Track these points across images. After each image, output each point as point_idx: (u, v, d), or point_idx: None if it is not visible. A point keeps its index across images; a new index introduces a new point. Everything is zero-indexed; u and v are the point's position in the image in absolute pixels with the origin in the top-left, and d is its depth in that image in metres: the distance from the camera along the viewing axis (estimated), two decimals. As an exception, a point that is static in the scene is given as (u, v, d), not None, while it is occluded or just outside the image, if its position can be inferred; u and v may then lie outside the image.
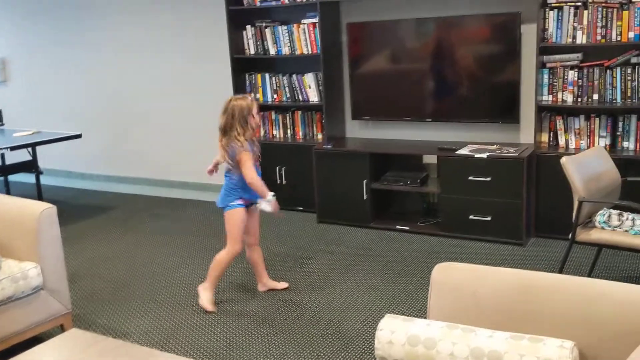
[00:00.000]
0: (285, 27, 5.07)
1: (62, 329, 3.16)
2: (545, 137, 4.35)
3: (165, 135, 6.21)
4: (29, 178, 6.51)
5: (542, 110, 4.32)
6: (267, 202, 3.38)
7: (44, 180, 6.13)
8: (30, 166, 5.38)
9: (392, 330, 1.82)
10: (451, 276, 1.98)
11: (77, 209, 5.68)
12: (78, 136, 5.47)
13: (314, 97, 5.13)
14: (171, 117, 6.11)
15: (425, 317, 1.95)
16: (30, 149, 5.26)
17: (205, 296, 3.52)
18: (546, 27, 4.15)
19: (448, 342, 1.73)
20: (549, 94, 4.27)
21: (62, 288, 3.12)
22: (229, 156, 3.37)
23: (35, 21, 6.70)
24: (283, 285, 3.74)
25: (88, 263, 4.30)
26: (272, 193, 3.40)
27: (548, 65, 4.25)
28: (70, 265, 4.24)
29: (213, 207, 5.48)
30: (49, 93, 6.85)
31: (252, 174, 3.35)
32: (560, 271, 3.38)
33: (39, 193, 5.42)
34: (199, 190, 6.11)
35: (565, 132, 4.28)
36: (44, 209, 3.01)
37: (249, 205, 3.51)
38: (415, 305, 3.43)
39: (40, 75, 6.87)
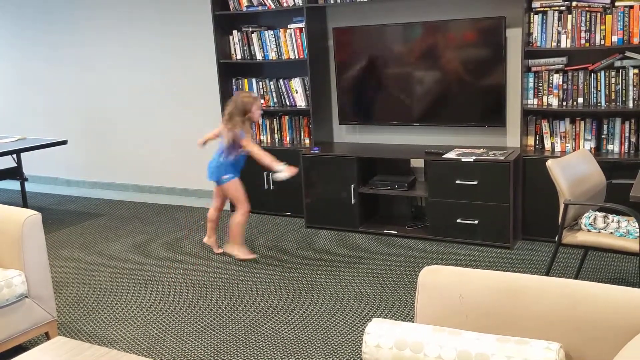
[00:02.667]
0: (272, 32, 5.07)
1: (47, 336, 3.13)
2: (531, 141, 4.38)
3: (152, 140, 6.18)
4: (13, 185, 6.46)
5: (528, 114, 4.35)
6: (281, 172, 3.97)
7: (29, 187, 6.08)
8: (15, 173, 5.33)
9: (380, 334, 1.82)
10: (438, 279, 1.99)
11: (63, 216, 5.64)
12: (63, 142, 5.43)
13: (301, 101, 5.13)
14: (157, 122, 6.09)
15: (413, 321, 1.94)
16: (14, 156, 5.21)
17: (241, 251, 4.21)
18: (531, 32, 4.18)
19: (435, 345, 1.73)
20: (534, 97, 4.30)
21: (47, 295, 3.09)
22: (236, 138, 4.02)
23: (21, 28, 6.65)
24: (219, 250, 4.39)
25: (73, 270, 4.27)
26: (283, 163, 4.00)
27: (533, 69, 4.28)
28: (56, 273, 4.21)
29: (200, 213, 5.48)
30: (34, 99, 6.80)
31: (258, 151, 4.02)
32: (547, 274, 3.39)
33: (23, 200, 5.37)
34: (185, 196, 6.09)
35: (551, 135, 4.31)
36: (28, 216, 2.98)
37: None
38: (403, 308, 3.42)
39: (25, 81, 6.82)
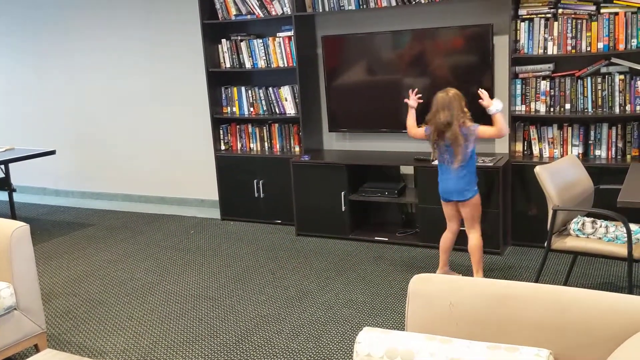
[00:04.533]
0: (261, 41, 5.08)
1: (36, 349, 3.10)
2: (519, 147, 4.41)
3: (141, 150, 6.16)
4: (1, 196, 6.41)
5: (516, 120, 4.37)
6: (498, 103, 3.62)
7: (17, 197, 6.04)
8: (3, 183, 5.29)
9: (371, 343, 1.82)
10: (428, 287, 1.99)
11: (52, 226, 5.60)
12: (52, 152, 5.40)
13: (290, 109, 5.14)
14: (147, 131, 6.07)
15: (404, 329, 1.95)
16: (2, 166, 5.18)
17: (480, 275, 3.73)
18: (518, 39, 4.22)
19: (426, 353, 1.73)
20: (522, 104, 4.33)
21: (36, 307, 3.06)
22: (466, 141, 3.55)
23: (7, 37, 6.62)
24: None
25: (63, 281, 4.24)
26: (497, 100, 3.66)
27: (520, 75, 4.31)
28: (45, 284, 4.18)
29: (191, 222, 5.47)
30: (21, 109, 6.77)
31: (503, 125, 3.57)
32: (537, 279, 3.41)
33: (12, 211, 5.32)
34: (176, 205, 6.07)
35: (539, 141, 4.34)
36: (16, 228, 2.95)
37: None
38: (394, 316, 3.43)
39: (12, 91, 6.78)
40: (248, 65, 5.19)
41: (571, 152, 4.24)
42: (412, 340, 1.79)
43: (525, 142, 4.39)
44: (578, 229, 3.20)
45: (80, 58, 6.23)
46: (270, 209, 5.19)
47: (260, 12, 4.99)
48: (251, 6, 5.01)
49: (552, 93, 4.23)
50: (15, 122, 6.84)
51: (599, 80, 4.09)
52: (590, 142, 4.21)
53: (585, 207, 3.40)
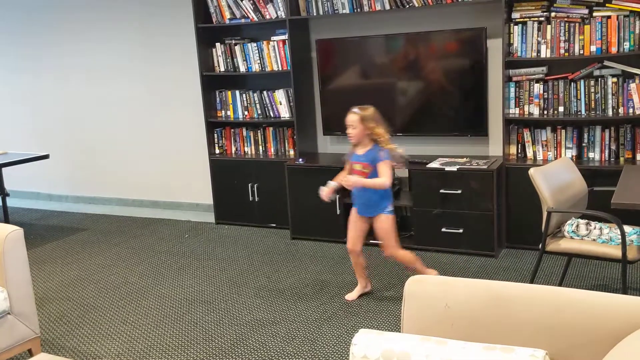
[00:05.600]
0: (255, 44, 5.08)
1: (30, 353, 3.08)
2: (513, 149, 4.42)
3: (135, 154, 6.14)
4: (-5, 200, 6.37)
5: (510, 123, 4.39)
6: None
7: (11, 202, 6.01)
8: (-4, 188, 5.27)
9: (366, 344, 1.81)
10: (423, 289, 1.99)
11: (45, 231, 5.57)
12: (45, 157, 5.38)
13: (285, 113, 5.14)
14: (141, 135, 6.06)
15: (399, 331, 1.95)
16: (-4, 171, 5.16)
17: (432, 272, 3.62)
18: (511, 42, 4.24)
19: (421, 354, 1.73)
20: (515, 106, 4.35)
21: (30, 312, 3.04)
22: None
23: (1, 41, 6.59)
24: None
25: (57, 286, 4.21)
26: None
27: (514, 78, 4.33)
28: (39, 289, 4.15)
29: (185, 226, 5.46)
30: (14, 113, 6.74)
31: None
32: (532, 281, 3.41)
33: (5, 215, 5.30)
34: (170, 209, 6.05)
35: (533, 144, 4.36)
36: (10, 232, 2.94)
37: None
38: (389, 318, 3.42)
39: (5, 95, 6.76)
40: (242, 69, 5.19)
41: (565, 155, 4.25)
42: (408, 342, 1.78)
43: (519, 144, 4.40)
44: (572, 231, 3.21)
45: (73, 62, 6.21)
46: (265, 212, 5.19)
47: (254, 16, 4.99)
48: (245, 10, 5.02)
49: (546, 96, 4.25)
50: (8, 127, 6.82)
51: (592, 83, 4.11)
52: (584, 144, 4.23)
53: (579, 209, 3.41)
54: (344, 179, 3.55)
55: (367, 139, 3.52)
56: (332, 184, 3.63)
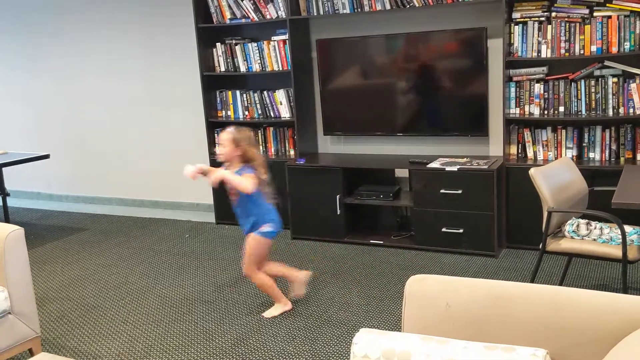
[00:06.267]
0: (256, 44, 5.08)
1: (30, 353, 3.08)
2: (513, 149, 4.42)
3: (135, 154, 6.14)
4: (-5, 200, 6.37)
5: (510, 123, 4.39)
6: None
7: (11, 202, 6.01)
8: (-3, 188, 5.27)
9: (367, 344, 1.81)
10: (424, 289, 1.99)
11: (46, 231, 5.57)
12: (46, 157, 5.38)
13: (285, 113, 5.14)
14: (141, 135, 6.06)
15: (400, 330, 1.95)
16: (-4, 171, 5.16)
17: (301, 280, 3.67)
18: (512, 42, 4.24)
19: (422, 354, 1.73)
20: (516, 106, 4.35)
21: (31, 312, 3.04)
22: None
23: (1, 40, 6.59)
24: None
25: (57, 285, 4.21)
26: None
27: (515, 78, 4.33)
28: (39, 288, 4.15)
29: (185, 226, 5.46)
30: (15, 113, 6.74)
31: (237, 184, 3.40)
32: (532, 281, 3.41)
33: (5, 215, 5.30)
34: (170, 209, 6.05)
35: (533, 144, 4.36)
36: (10, 232, 2.94)
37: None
38: (390, 318, 3.42)
39: (5, 94, 6.76)
40: (243, 69, 5.19)
41: (565, 155, 4.26)
42: (409, 341, 1.78)
43: (520, 144, 4.41)
44: (573, 231, 3.21)
45: (74, 62, 6.21)
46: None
47: (254, 16, 4.99)
48: (246, 10, 5.02)
49: (546, 96, 4.25)
50: (9, 126, 6.82)
51: (593, 83, 4.11)
52: (584, 144, 4.23)
53: (579, 209, 3.41)
54: (214, 170, 3.41)
55: (237, 160, 3.40)
56: (202, 166, 3.47)
